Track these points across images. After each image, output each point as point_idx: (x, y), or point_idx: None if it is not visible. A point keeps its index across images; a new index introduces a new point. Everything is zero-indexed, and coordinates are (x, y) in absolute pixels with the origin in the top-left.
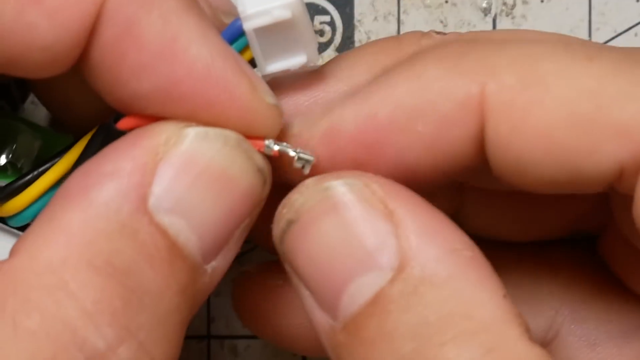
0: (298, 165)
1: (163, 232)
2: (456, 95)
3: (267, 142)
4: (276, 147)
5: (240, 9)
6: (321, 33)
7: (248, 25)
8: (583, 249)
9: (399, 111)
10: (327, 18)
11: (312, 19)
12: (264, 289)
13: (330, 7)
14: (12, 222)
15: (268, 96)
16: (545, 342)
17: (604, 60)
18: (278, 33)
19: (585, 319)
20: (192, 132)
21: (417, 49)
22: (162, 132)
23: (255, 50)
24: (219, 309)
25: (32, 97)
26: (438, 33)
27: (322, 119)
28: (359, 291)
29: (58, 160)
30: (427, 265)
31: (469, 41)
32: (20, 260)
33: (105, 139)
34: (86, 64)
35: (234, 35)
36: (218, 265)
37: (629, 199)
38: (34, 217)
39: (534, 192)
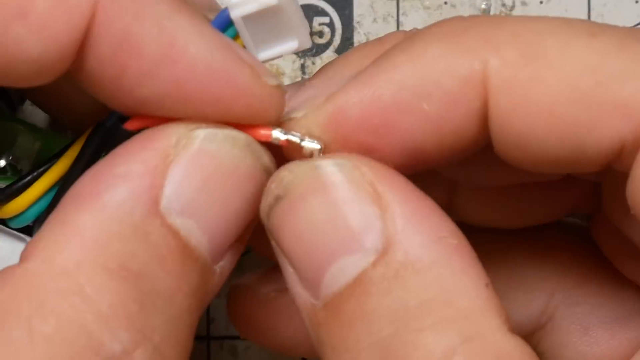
0: (306, 152)
1: (175, 234)
2: (459, 72)
3: (274, 132)
4: (284, 136)
5: None
6: (320, 34)
7: (235, 13)
8: (577, 231)
9: (403, 91)
10: (326, 19)
11: (311, 21)
12: (258, 299)
13: (329, 9)
14: (13, 224)
15: (270, 78)
16: (539, 326)
17: (606, 37)
18: (267, 20)
19: (578, 303)
20: (202, 134)
21: None
22: (172, 134)
23: (246, 39)
24: (218, 310)
25: None
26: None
27: (326, 104)
28: (341, 271)
29: (57, 161)
30: (411, 251)
31: (469, 18)
32: (34, 264)
33: (106, 137)
34: (83, 74)
35: (223, 25)
36: (225, 265)
37: (620, 182)
38: (34, 219)
39: (533, 172)
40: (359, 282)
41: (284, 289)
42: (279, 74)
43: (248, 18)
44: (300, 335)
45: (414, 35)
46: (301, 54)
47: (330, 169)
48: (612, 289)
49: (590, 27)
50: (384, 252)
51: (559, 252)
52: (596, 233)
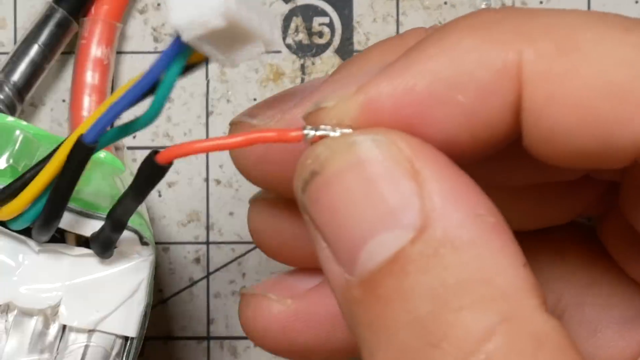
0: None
1: None
2: (494, 64)
3: (306, 131)
4: (317, 132)
5: (172, 22)
6: (320, 34)
7: (187, 36)
8: (587, 232)
9: (437, 83)
10: (326, 19)
11: (311, 21)
12: (273, 308)
13: (329, 9)
14: (13, 226)
15: None
16: None
17: None
18: (223, 34)
19: (587, 304)
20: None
21: None
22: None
23: (209, 51)
24: (218, 310)
25: (31, 99)
26: None
27: (358, 94)
28: (379, 248)
29: (51, 160)
30: (450, 228)
31: (500, 10)
32: None
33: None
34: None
35: (181, 47)
36: None
37: None
38: (34, 220)
39: (557, 168)
40: (397, 260)
41: (299, 295)
42: (278, 74)
43: (201, 37)
44: (317, 343)
45: (444, 27)
46: (301, 54)
47: (367, 144)
48: (622, 290)
49: (624, 21)
50: (422, 229)
51: (568, 252)
52: (605, 235)
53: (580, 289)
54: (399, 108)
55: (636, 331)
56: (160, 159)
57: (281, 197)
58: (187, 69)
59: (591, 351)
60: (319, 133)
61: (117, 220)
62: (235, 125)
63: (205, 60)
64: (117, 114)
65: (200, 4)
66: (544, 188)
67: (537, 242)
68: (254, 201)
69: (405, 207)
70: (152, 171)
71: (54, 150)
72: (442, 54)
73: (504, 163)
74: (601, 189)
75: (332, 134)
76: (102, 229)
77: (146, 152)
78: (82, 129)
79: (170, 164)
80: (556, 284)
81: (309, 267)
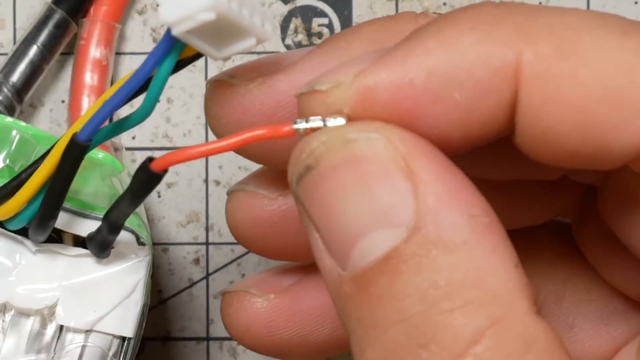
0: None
1: None
2: (492, 62)
3: (296, 125)
4: (308, 124)
5: (162, 17)
6: (319, 35)
7: (177, 30)
8: (566, 228)
9: (435, 78)
10: (325, 20)
11: (310, 22)
12: (255, 304)
13: (328, 10)
14: (10, 226)
15: None
16: None
17: (639, 36)
18: (213, 27)
19: (565, 299)
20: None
21: (415, 27)
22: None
23: (200, 46)
24: (218, 310)
25: (30, 100)
26: (434, 13)
27: (355, 82)
28: (372, 246)
29: (46, 159)
30: (443, 229)
31: (501, 5)
32: None
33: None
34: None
35: (171, 42)
36: None
37: (629, 184)
38: (30, 219)
39: (548, 164)
40: (389, 258)
41: (282, 291)
42: None
43: (192, 31)
44: (301, 338)
45: (444, 18)
46: None
47: (363, 141)
48: (599, 286)
49: (623, 24)
50: (415, 229)
51: (547, 247)
52: (580, 239)
53: (558, 284)
54: (396, 101)
55: (613, 326)
56: (155, 166)
57: (260, 187)
58: (180, 64)
59: (568, 346)
60: (310, 125)
61: (113, 222)
62: (213, 83)
63: (197, 55)
64: (110, 112)
65: None
66: (521, 188)
67: (516, 235)
68: (232, 193)
69: (399, 206)
70: (147, 178)
71: (49, 150)
72: (441, 48)
73: (488, 156)
74: (578, 193)
75: (321, 124)
76: (98, 230)
77: (145, 153)
78: (76, 127)
79: (165, 171)
80: (534, 278)
81: (291, 259)
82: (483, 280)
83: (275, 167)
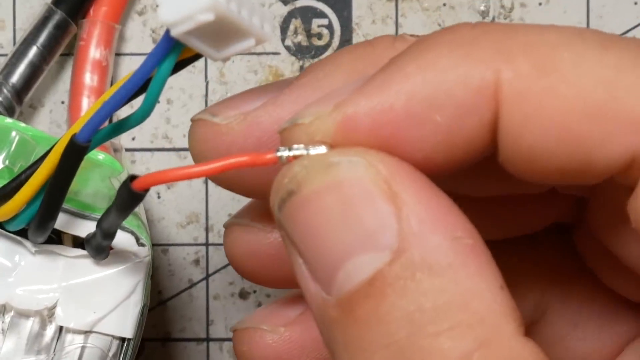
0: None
1: None
2: (472, 83)
3: (279, 153)
4: (290, 152)
5: (161, 18)
6: (319, 36)
7: (176, 31)
8: (568, 228)
9: (415, 102)
10: (325, 21)
11: (310, 22)
12: (266, 339)
13: (328, 10)
14: (9, 227)
15: None
16: (533, 321)
17: (618, 50)
18: (212, 28)
19: (570, 298)
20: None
21: (393, 52)
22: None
23: (199, 47)
24: (218, 311)
25: (29, 100)
26: (412, 36)
27: (335, 112)
28: (356, 270)
29: (45, 160)
30: (427, 252)
31: (478, 25)
32: None
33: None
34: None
35: (170, 43)
36: None
37: (615, 196)
38: (29, 220)
39: (535, 183)
40: (374, 282)
41: (291, 322)
42: (278, 76)
43: (191, 32)
44: None
45: (421, 42)
46: (300, 55)
47: (345, 165)
48: (603, 285)
49: (602, 39)
50: (400, 252)
51: (550, 247)
52: (577, 243)
53: (563, 283)
54: (376, 127)
55: (617, 325)
56: (136, 185)
57: (255, 220)
58: (180, 65)
59: (572, 344)
60: (292, 153)
61: (105, 230)
62: (196, 123)
63: (197, 56)
64: (110, 113)
65: None
66: (514, 199)
67: (518, 239)
68: (229, 226)
69: (382, 229)
70: (129, 195)
71: (49, 151)
72: (419, 72)
73: (474, 175)
74: (570, 201)
75: (304, 152)
76: (93, 234)
77: (145, 154)
78: (75, 128)
79: (146, 190)
80: (541, 278)
81: (293, 286)
82: (469, 303)
83: (263, 200)
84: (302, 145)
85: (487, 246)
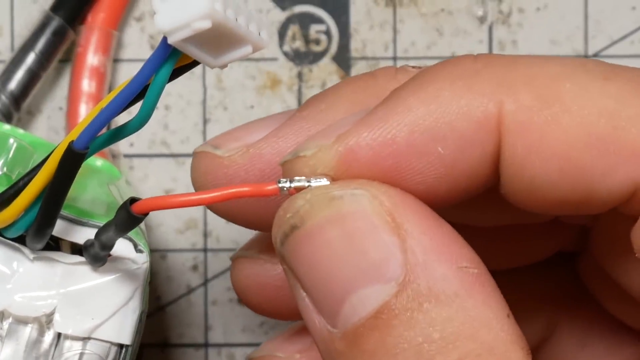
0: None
1: None
2: (474, 115)
3: (281, 184)
4: (292, 184)
5: (158, 26)
6: (317, 42)
7: (173, 39)
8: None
9: (417, 134)
10: (322, 27)
11: (308, 28)
12: None
13: (326, 16)
14: (8, 234)
15: None
16: (541, 341)
17: (620, 80)
18: (210, 35)
19: (578, 318)
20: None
21: (394, 84)
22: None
23: (196, 54)
24: (216, 317)
25: (27, 107)
26: (414, 67)
27: (336, 144)
28: (362, 302)
29: (43, 167)
30: (434, 282)
31: (479, 57)
32: None
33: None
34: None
35: (167, 50)
36: None
37: (618, 225)
38: (27, 227)
39: (538, 213)
40: (380, 314)
41: (306, 349)
42: (275, 81)
43: (188, 40)
44: None
45: (423, 74)
46: (298, 61)
47: (348, 198)
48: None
49: (604, 70)
50: (405, 283)
51: (559, 268)
52: (581, 270)
53: (569, 307)
54: (379, 159)
55: (624, 346)
56: (135, 209)
57: (260, 251)
58: (177, 72)
59: None
60: (294, 185)
61: (103, 242)
62: (198, 155)
63: (194, 63)
64: (107, 120)
65: (186, 6)
66: (517, 229)
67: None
68: (235, 259)
69: (387, 261)
70: (128, 218)
71: (46, 158)
72: (421, 105)
73: (477, 205)
74: (574, 230)
75: (305, 184)
76: (92, 244)
77: (143, 160)
78: (73, 135)
79: (145, 214)
80: (546, 302)
81: (299, 318)
82: (477, 332)
83: (263, 231)
84: (303, 177)
85: (491, 275)
